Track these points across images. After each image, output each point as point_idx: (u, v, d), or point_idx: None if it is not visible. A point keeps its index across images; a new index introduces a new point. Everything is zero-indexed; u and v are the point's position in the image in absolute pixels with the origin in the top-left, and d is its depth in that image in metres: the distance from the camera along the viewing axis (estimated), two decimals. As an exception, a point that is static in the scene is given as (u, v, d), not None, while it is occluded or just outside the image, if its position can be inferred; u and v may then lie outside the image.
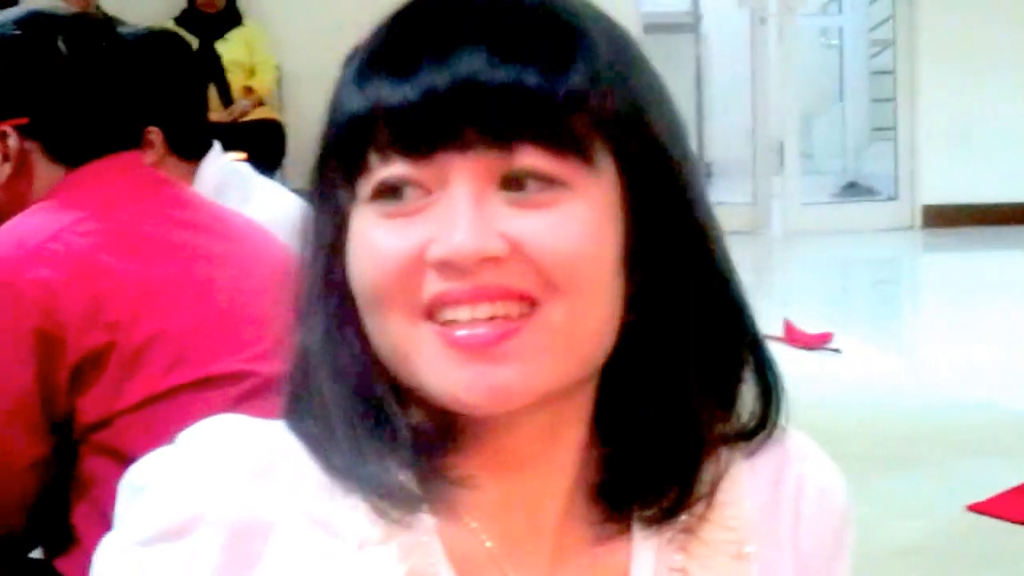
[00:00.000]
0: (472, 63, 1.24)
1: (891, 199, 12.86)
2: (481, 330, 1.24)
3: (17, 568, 2.84)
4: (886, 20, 13.37)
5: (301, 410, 1.35)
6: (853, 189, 13.95)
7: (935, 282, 11.14)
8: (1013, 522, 5.47)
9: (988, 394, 7.16)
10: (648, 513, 1.36)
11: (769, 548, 1.41)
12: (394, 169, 1.26)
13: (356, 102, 1.29)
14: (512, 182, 1.25)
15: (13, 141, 2.82)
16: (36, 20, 2.88)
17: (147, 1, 10.04)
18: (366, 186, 1.28)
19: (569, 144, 1.25)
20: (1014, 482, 5.76)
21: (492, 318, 1.24)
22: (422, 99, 1.24)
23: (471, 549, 1.34)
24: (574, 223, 1.25)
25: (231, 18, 10.54)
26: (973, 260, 11.24)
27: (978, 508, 5.61)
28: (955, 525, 5.48)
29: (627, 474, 1.35)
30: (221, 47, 10.24)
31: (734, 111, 13.73)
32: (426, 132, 1.25)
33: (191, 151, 3.71)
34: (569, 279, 1.25)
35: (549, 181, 1.25)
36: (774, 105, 12.36)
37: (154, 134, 3.66)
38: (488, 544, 1.34)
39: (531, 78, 1.24)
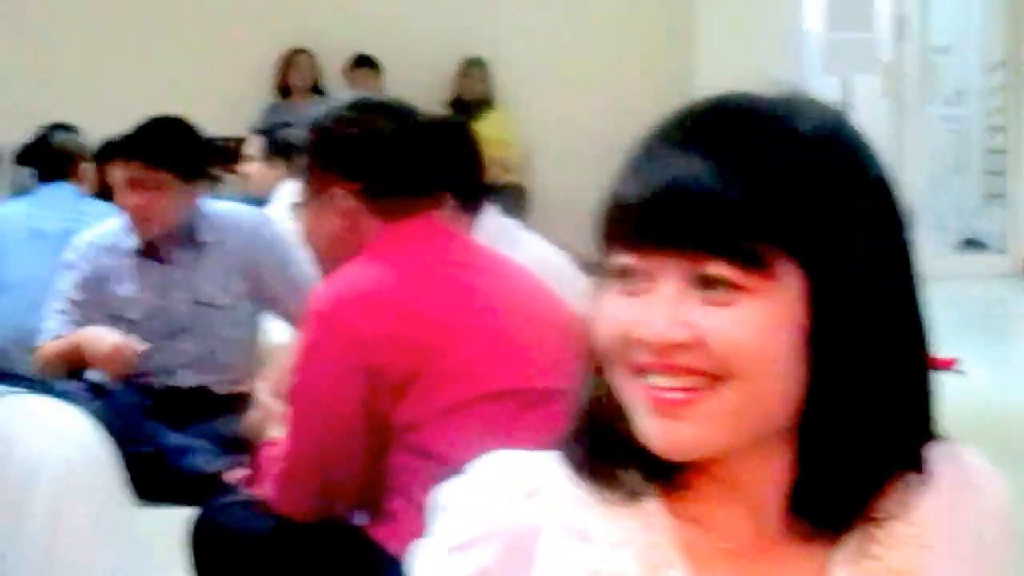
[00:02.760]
0: (678, 184, 1.23)
1: (1000, 252, 12.69)
2: (670, 394, 1.25)
3: (340, 532, 2.84)
4: (999, 110, 13.22)
5: (572, 440, 1.36)
6: (969, 244, 13.76)
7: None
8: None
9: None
10: (843, 523, 1.34)
11: (947, 543, 1.38)
12: (623, 258, 1.27)
13: (610, 190, 1.29)
14: (704, 282, 1.24)
15: (347, 201, 2.83)
16: (365, 103, 2.91)
17: (423, 91, 10.13)
18: (612, 262, 1.28)
19: (752, 261, 1.23)
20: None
21: (681, 388, 1.25)
22: (640, 204, 1.25)
23: (705, 547, 1.34)
24: (749, 322, 1.23)
25: (487, 103, 10.62)
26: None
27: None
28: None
29: (824, 496, 1.32)
30: (478, 126, 10.33)
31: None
32: (642, 234, 1.25)
33: (473, 209, 3.72)
34: (741, 367, 1.24)
35: (733, 286, 1.23)
36: (908, 176, 12.21)
37: (448, 196, 3.61)
38: (720, 544, 1.34)
39: (724, 206, 1.22)
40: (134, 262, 4.43)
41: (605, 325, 1.29)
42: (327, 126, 2.88)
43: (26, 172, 7.65)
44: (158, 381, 4.43)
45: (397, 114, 2.90)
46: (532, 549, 1.33)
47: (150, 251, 4.42)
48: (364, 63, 10.51)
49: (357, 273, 2.75)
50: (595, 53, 10.82)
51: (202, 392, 4.47)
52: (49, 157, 5.97)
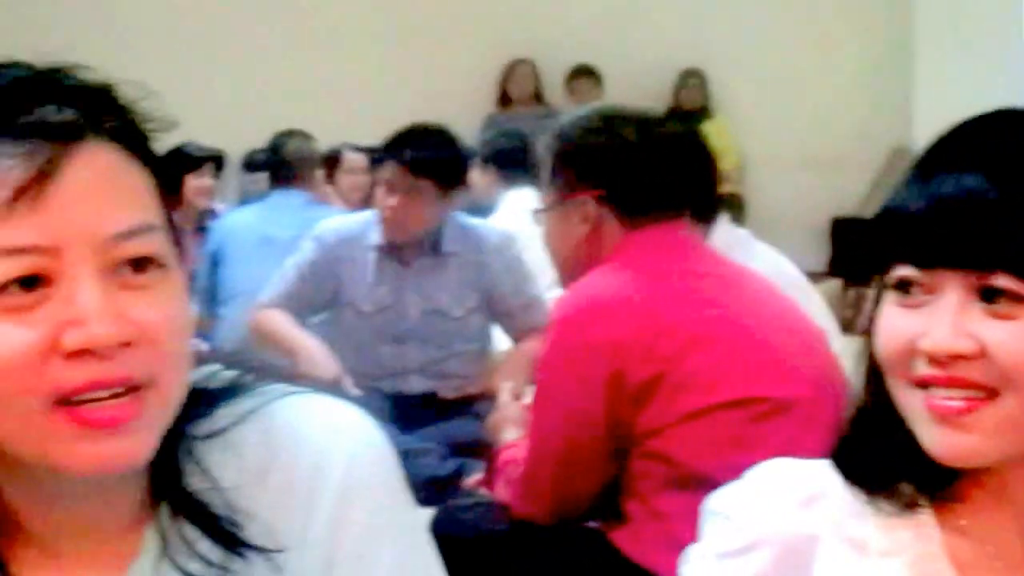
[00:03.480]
0: (962, 197, 1.24)
1: None
2: (950, 403, 1.25)
3: (577, 535, 2.86)
4: None
5: (847, 449, 1.37)
6: None
7: None
8: None
9: None
10: None
11: None
12: (905, 270, 1.27)
13: (888, 205, 1.30)
14: (987, 295, 1.24)
15: (591, 207, 2.85)
16: (611, 112, 2.93)
17: (641, 101, 10.10)
18: (891, 275, 1.29)
19: None
20: None
21: (961, 398, 1.25)
22: (924, 218, 1.25)
23: (974, 559, 1.34)
24: None
25: (705, 113, 10.57)
26: None
27: None
28: None
29: None
30: (697, 135, 10.23)
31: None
32: (926, 247, 1.25)
33: (707, 219, 3.69)
34: (1023, 379, 1.24)
35: (1017, 299, 1.23)
36: None
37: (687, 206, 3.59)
38: (988, 556, 1.33)
39: (1010, 219, 1.23)
40: (374, 257, 4.50)
41: (885, 337, 1.30)
42: (574, 134, 2.91)
43: (252, 178, 7.81)
44: (389, 385, 4.50)
45: (643, 123, 2.92)
46: (809, 558, 1.33)
47: (391, 251, 4.49)
48: (584, 73, 10.56)
49: (601, 280, 2.77)
50: (812, 63, 10.72)
51: (431, 396, 4.53)
52: (282, 164, 6.06)
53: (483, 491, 3.21)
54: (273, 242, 5.54)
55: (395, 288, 4.50)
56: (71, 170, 1.11)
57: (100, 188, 1.13)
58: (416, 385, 4.54)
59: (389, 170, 4.41)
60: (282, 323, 4.54)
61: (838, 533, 1.34)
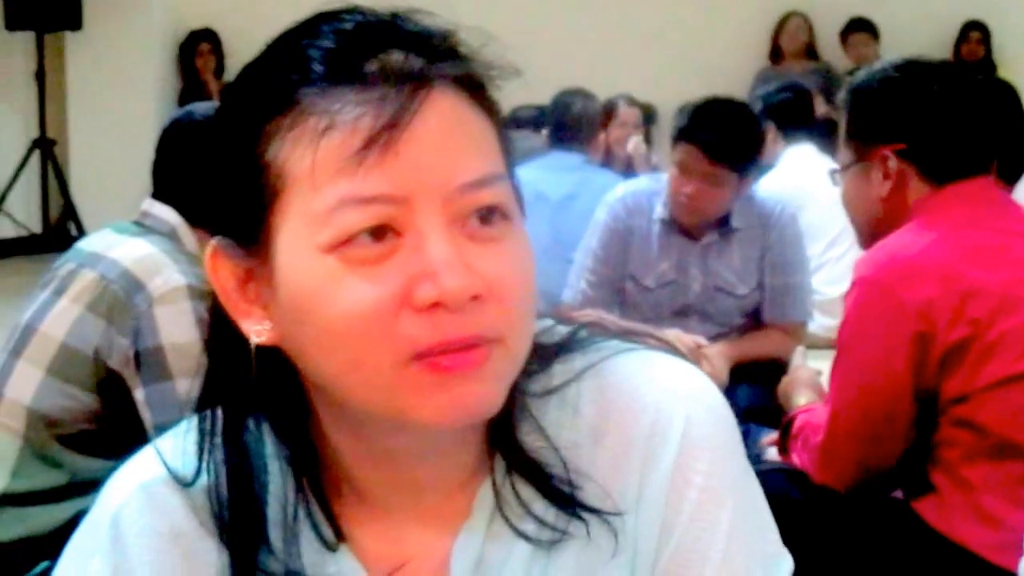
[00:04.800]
0: None
1: None
2: None
3: (880, 504, 2.82)
4: None
5: None
6: None
7: None
8: None
9: None
10: None
11: None
12: None
13: None
14: None
15: (893, 163, 2.80)
16: (911, 64, 2.85)
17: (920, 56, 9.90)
18: None
19: None
20: None
21: None
22: None
23: None
24: None
25: (987, 68, 10.24)
26: None
27: None
28: None
29: None
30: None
31: None
32: None
33: (1015, 175, 3.59)
34: None
35: None
36: None
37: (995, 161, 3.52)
38: None
39: None
40: (658, 230, 4.45)
41: None
42: (871, 87, 2.85)
43: (519, 135, 7.81)
44: (670, 357, 4.43)
45: (945, 74, 2.84)
46: None
47: (678, 225, 4.43)
48: (860, 26, 10.36)
49: (906, 239, 2.71)
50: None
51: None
52: (566, 124, 6.01)
53: (774, 456, 3.17)
54: (545, 199, 5.54)
55: (679, 263, 4.44)
56: (420, 118, 1.09)
57: (448, 137, 1.11)
58: (697, 356, 4.48)
59: (684, 153, 4.25)
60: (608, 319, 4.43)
61: None
